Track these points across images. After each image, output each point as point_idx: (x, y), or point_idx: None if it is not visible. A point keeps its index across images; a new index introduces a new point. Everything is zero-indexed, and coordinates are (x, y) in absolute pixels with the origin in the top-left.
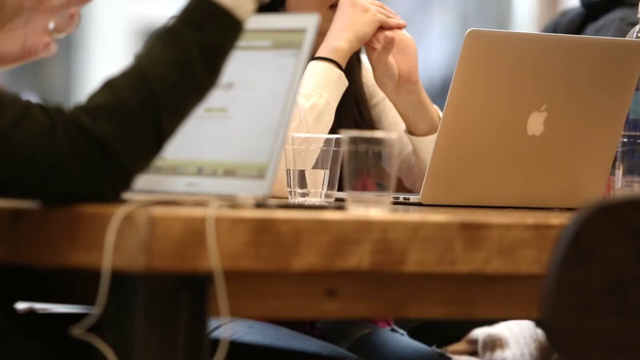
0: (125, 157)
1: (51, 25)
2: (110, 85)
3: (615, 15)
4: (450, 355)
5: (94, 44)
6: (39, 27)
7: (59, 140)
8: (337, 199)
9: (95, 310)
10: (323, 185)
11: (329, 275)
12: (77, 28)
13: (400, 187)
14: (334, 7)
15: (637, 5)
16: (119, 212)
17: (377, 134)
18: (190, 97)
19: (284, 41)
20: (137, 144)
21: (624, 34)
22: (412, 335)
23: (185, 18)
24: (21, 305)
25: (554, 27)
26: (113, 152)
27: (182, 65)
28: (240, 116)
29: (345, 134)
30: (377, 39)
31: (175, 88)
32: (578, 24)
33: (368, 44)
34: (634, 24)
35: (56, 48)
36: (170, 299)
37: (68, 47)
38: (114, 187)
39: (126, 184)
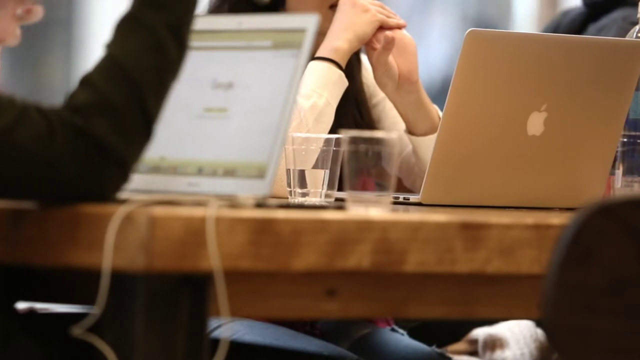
0: (123, 150)
1: (19, 11)
2: (89, 82)
3: (617, 14)
4: (450, 355)
5: (94, 43)
6: (7, 15)
7: (58, 142)
8: (337, 199)
9: (95, 310)
10: (323, 185)
11: (329, 275)
12: (43, 13)
13: (400, 187)
14: (334, 7)
15: (639, 4)
16: (119, 212)
17: (377, 134)
18: (167, 77)
19: (284, 41)
20: (130, 134)
21: (626, 33)
22: (412, 335)
23: (145, 1)
24: (21, 305)
25: (556, 27)
26: (111, 147)
27: (154, 49)
28: (240, 116)
29: (345, 134)
30: (377, 39)
31: (152, 72)
32: (580, 23)
33: (368, 44)
34: (635, 24)
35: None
36: (170, 299)
37: (68, 46)
38: (113, 183)
39: (125, 177)
